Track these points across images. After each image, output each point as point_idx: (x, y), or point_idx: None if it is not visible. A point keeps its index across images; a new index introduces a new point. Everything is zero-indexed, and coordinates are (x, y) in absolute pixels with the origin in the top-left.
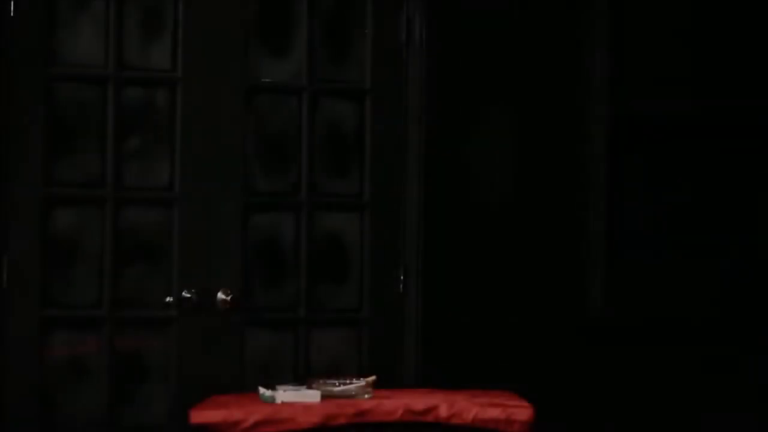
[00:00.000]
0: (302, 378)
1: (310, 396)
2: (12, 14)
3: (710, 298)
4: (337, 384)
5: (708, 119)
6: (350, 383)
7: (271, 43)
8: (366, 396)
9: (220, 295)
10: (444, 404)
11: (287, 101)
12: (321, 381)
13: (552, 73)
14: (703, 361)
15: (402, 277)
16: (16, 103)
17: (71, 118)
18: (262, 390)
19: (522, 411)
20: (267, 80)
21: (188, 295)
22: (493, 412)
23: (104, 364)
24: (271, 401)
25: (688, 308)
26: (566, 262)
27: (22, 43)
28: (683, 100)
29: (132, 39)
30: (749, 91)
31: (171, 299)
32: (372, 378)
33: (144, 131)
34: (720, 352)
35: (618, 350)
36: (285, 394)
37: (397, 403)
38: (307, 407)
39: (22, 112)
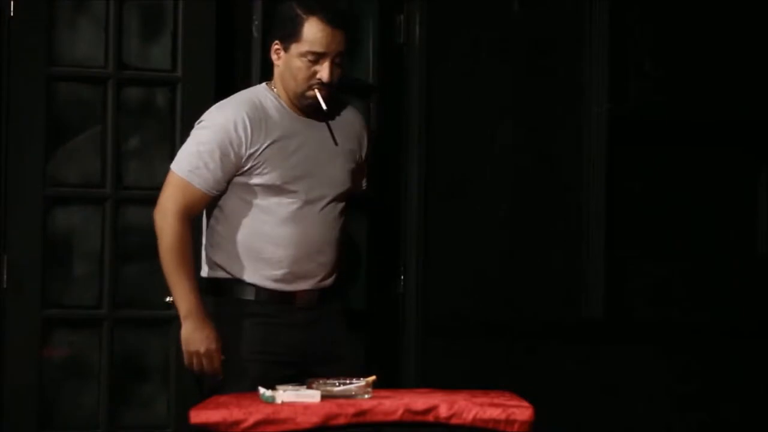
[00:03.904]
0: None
1: (310, 396)
2: (12, 14)
3: (709, 297)
4: (337, 384)
5: (707, 119)
6: (350, 383)
7: None
8: (366, 396)
9: None
10: (444, 404)
11: None
12: (321, 381)
13: (552, 72)
14: (700, 361)
15: (402, 277)
16: (16, 103)
17: (71, 118)
18: (261, 390)
19: (522, 411)
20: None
21: None
22: (493, 412)
23: (104, 364)
24: (271, 401)
25: (688, 308)
26: (566, 261)
27: (22, 43)
28: (683, 100)
29: (132, 39)
30: (748, 92)
31: (171, 299)
32: (372, 378)
33: (144, 131)
34: (720, 350)
35: (618, 350)
36: (285, 394)
37: (397, 403)
38: (307, 407)
39: (22, 112)
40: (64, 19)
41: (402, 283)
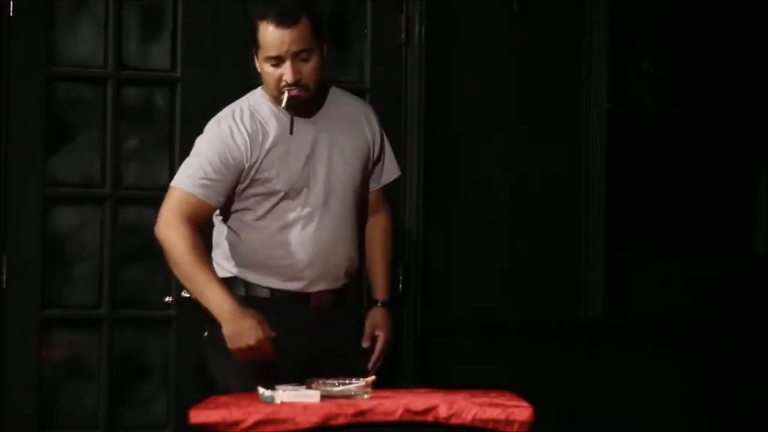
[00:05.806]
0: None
1: (310, 396)
2: (12, 14)
3: (709, 297)
4: (336, 384)
5: (707, 119)
6: (350, 383)
7: None
8: (365, 396)
9: None
10: (443, 404)
11: None
12: (320, 381)
13: (552, 72)
14: (700, 361)
15: (402, 277)
16: (16, 103)
17: (71, 118)
18: (261, 390)
19: (522, 411)
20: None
21: (188, 295)
22: (493, 412)
23: (104, 364)
24: (271, 401)
25: (688, 308)
26: (566, 261)
27: (22, 43)
28: (683, 100)
29: (131, 39)
30: (748, 92)
31: (170, 299)
32: (371, 378)
33: (143, 131)
34: (720, 350)
35: (618, 350)
36: (284, 394)
37: (397, 403)
38: (306, 407)
39: (22, 112)
40: (64, 19)
41: (401, 284)
